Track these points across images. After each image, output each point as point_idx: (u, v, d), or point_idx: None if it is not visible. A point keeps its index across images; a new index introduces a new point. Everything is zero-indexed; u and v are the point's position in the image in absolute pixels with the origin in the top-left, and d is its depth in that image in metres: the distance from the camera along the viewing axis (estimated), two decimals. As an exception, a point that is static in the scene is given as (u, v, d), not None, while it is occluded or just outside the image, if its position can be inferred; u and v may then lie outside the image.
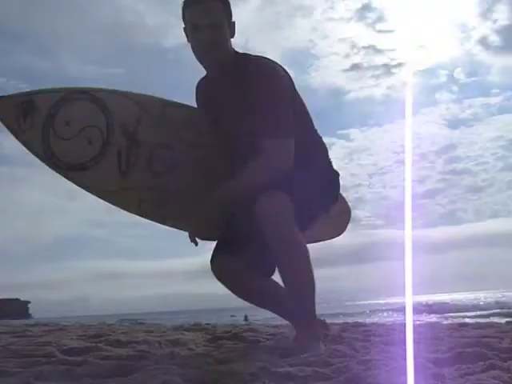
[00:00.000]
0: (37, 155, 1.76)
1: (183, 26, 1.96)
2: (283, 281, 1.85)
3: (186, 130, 2.02)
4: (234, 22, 1.95)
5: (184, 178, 2.00)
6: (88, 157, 1.82)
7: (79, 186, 1.85)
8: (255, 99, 1.84)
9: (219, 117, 2.01)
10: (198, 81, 2.15)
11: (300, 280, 1.83)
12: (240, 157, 1.94)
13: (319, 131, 2.08)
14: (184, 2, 1.91)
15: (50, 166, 1.78)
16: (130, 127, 1.88)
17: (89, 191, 1.87)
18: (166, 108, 2.01)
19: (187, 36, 1.95)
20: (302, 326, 1.85)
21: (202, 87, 2.12)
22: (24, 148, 1.73)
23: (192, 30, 1.88)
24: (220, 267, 2.01)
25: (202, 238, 2.03)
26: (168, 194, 1.97)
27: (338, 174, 2.09)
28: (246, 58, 1.95)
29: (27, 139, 1.74)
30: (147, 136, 1.92)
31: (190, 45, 1.94)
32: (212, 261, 2.03)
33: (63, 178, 1.82)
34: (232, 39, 1.94)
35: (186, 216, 1.95)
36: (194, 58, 1.93)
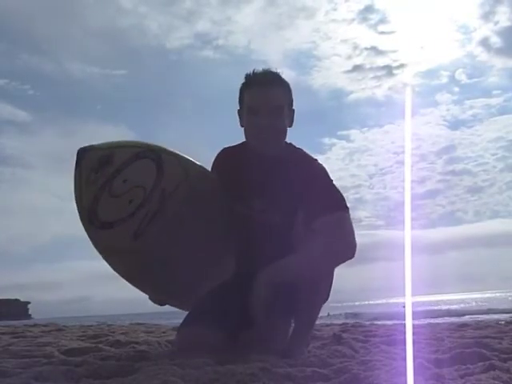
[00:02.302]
0: (81, 208, 1.70)
1: (238, 108, 1.86)
2: (300, 303, 1.73)
3: (207, 207, 1.90)
4: (293, 110, 1.84)
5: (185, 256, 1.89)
6: (120, 216, 1.74)
7: (92, 240, 1.77)
8: (314, 183, 1.72)
9: (253, 196, 1.85)
10: (222, 148, 2.00)
11: (315, 314, 1.80)
12: (264, 245, 1.75)
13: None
14: (243, 83, 1.81)
15: (83, 221, 1.72)
16: (167, 193, 1.79)
17: (96, 247, 1.78)
18: (202, 178, 1.91)
19: (241, 118, 1.84)
20: (298, 336, 1.79)
21: (234, 159, 1.94)
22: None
23: (249, 113, 1.78)
24: (191, 341, 1.73)
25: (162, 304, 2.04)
26: (166, 266, 1.88)
27: None
28: (295, 148, 1.85)
29: (84, 192, 1.69)
30: (174, 203, 1.81)
31: (243, 127, 1.82)
32: (181, 331, 1.83)
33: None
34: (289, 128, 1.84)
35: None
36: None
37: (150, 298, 1.99)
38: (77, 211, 1.72)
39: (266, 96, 1.76)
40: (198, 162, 1.92)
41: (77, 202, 1.71)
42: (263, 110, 1.75)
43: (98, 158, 1.69)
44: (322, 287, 1.74)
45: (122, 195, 1.72)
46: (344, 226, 1.67)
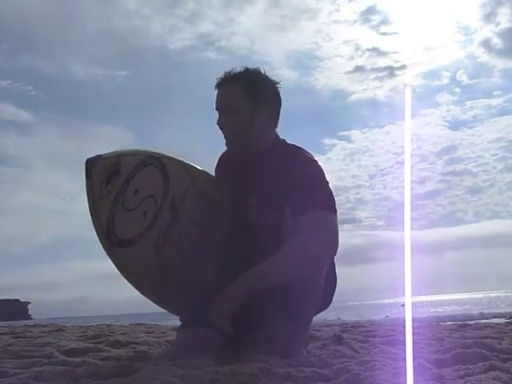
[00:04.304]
0: (98, 227, 1.62)
1: None
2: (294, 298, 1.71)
3: (216, 210, 1.87)
4: (273, 107, 1.83)
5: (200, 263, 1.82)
6: (138, 231, 1.67)
7: (116, 264, 1.67)
8: (297, 179, 1.69)
9: (249, 195, 1.84)
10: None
11: (310, 313, 1.79)
12: (263, 244, 1.72)
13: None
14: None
15: (102, 241, 1.64)
16: (177, 200, 1.76)
17: (121, 270, 1.69)
18: (208, 183, 1.90)
19: None
20: (295, 336, 1.78)
21: (224, 163, 2.00)
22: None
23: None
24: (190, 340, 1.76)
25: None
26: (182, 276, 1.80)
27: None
28: (294, 147, 1.83)
29: (100, 209, 1.62)
30: (187, 212, 1.78)
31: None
32: (181, 331, 1.86)
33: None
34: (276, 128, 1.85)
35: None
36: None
37: (180, 320, 1.96)
38: (94, 229, 1.64)
39: (217, 97, 1.83)
40: (199, 167, 1.90)
41: (92, 218, 1.63)
42: (218, 111, 1.82)
43: (107, 168, 1.64)
44: (314, 285, 1.70)
45: (136, 208, 1.68)
46: (328, 225, 1.64)
